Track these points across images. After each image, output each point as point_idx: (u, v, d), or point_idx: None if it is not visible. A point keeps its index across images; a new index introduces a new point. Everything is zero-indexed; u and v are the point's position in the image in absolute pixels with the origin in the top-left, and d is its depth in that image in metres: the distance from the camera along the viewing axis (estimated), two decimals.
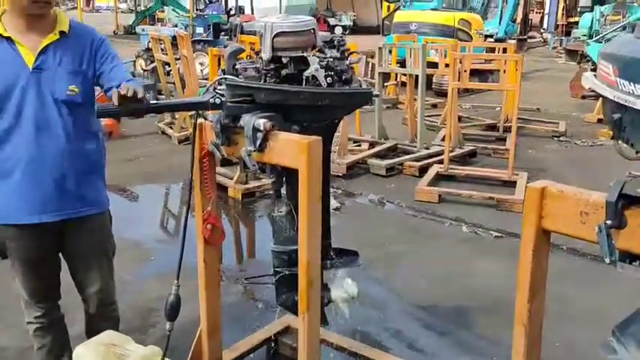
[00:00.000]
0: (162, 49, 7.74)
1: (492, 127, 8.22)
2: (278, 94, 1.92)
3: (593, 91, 1.30)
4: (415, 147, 6.66)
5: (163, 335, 2.09)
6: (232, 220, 5.18)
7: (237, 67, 2.01)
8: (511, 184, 5.54)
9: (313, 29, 2.00)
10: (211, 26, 14.83)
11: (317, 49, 2.04)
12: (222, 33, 14.70)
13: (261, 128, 1.83)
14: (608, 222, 1.21)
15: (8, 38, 2.16)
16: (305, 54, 1.99)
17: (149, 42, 9.85)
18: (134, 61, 12.22)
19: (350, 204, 5.34)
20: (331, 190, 5.63)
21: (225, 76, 1.94)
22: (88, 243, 2.41)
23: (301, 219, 1.87)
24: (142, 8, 27.63)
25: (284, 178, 2.16)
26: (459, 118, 8.11)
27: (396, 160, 6.32)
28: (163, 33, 9.09)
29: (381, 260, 4.09)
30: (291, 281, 2.17)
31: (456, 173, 5.90)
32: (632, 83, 1.16)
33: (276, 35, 1.94)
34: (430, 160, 6.25)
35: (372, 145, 6.80)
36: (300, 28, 1.97)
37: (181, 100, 2.02)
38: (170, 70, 8.29)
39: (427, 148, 6.62)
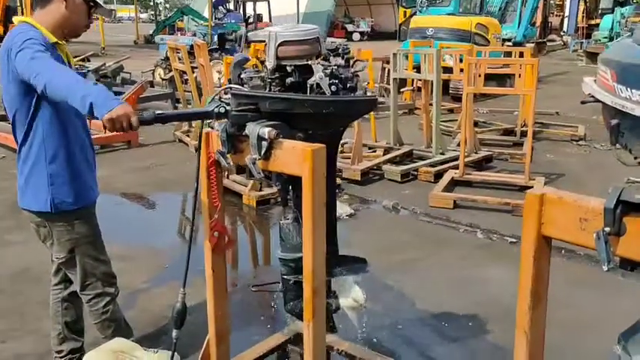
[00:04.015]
0: (179, 58, 7.83)
1: (510, 132, 8.16)
2: (282, 103, 1.93)
3: (592, 96, 1.29)
4: (431, 152, 6.64)
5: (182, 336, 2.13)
6: (247, 226, 5.22)
7: (243, 76, 2.04)
8: (528, 190, 5.46)
9: (317, 38, 2.02)
10: (216, 37, 14.90)
11: (321, 58, 2.05)
12: (236, 45, 14.86)
13: (266, 137, 1.84)
14: (607, 229, 1.20)
15: (55, 44, 2.37)
16: (309, 62, 2.00)
17: (167, 51, 9.97)
18: (153, 71, 12.39)
19: (364, 210, 5.34)
20: (346, 196, 5.65)
21: (230, 86, 1.96)
22: None
23: (305, 226, 1.87)
24: (162, 18, 27.97)
25: (290, 186, 2.17)
26: (476, 123, 8.06)
27: (412, 165, 6.30)
28: (181, 42, 9.20)
29: (394, 267, 4.08)
30: (299, 288, 2.18)
31: (471, 179, 5.86)
32: (629, 89, 1.15)
33: (281, 44, 1.96)
34: (446, 166, 6.22)
35: (387, 150, 6.79)
36: (304, 36, 1.99)
37: (187, 110, 2.06)
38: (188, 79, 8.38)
39: (442, 154, 6.58)
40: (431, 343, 3.18)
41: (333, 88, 1.98)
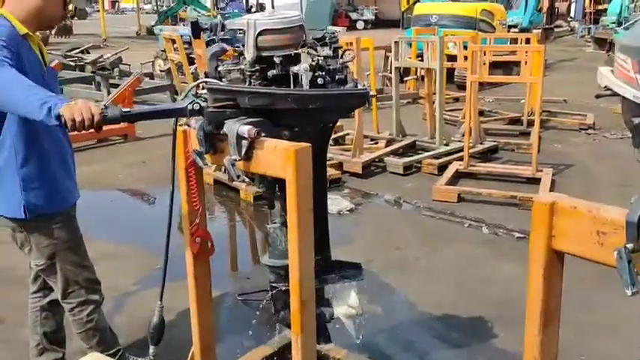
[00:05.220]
0: (175, 49, 7.65)
1: (516, 121, 7.94)
2: (263, 98, 1.76)
3: (609, 89, 1.10)
4: (434, 144, 6.44)
5: (164, 349, 1.99)
6: (246, 223, 5.06)
7: (220, 68, 1.86)
8: (535, 181, 5.28)
9: (301, 25, 1.83)
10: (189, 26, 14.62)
11: (307, 47, 1.87)
12: (209, 34, 14.57)
13: (246, 135, 1.67)
14: (629, 246, 1.02)
15: (26, 35, 2.20)
16: (296, 51, 1.82)
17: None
18: (153, 62, 12.21)
19: (365, 205, 5.16)
20: (346, 190, 5.47)
21: (206, 80, 1.78)
22: None
23: (291, 234, 1.71)
24: (165, 9, 27.71)
25: (277, 186, 2.00)
26: (482, 113, 7.85)
27: (415, 157, 6.11)
28: (181, 32, 8.99)
29: (394, 265, 3.90)
30: (288, 297, 2.02)
31: (476, 170, 5.66)
32: None
33: (260, 33, 1.78)
34: (450, 157, 6.02)
35: (389, 142, 6.59)
36: (287, 24, 1.81)
37: (157, 107, 1.88)
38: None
39: (447, 145, 6.38)
40: (432, 349, 3.01)
41: (320, 80, 1.81)
